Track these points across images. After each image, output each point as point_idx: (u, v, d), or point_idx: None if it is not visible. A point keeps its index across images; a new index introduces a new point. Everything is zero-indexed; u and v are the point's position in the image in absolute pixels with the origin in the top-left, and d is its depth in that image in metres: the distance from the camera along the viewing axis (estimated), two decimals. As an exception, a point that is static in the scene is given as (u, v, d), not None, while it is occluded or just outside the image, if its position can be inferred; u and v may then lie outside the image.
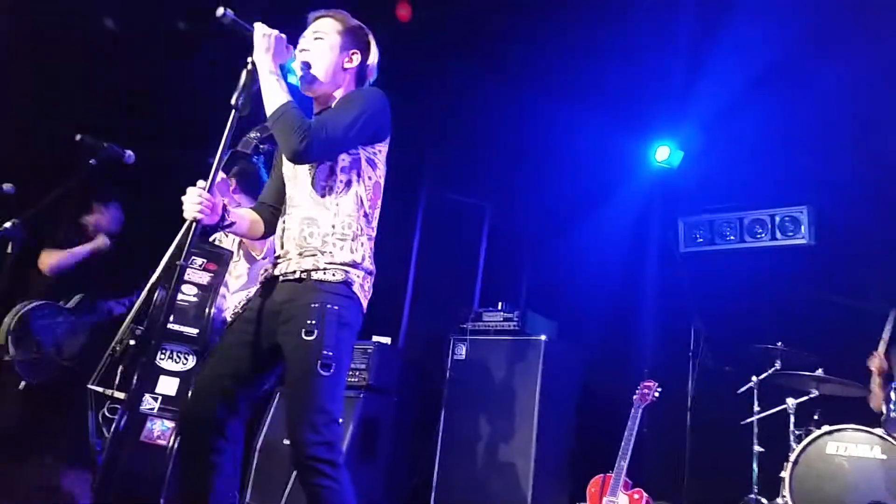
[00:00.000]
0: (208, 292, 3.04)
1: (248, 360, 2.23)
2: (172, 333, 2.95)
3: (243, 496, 3.91)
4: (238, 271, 3.40)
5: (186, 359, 2.97)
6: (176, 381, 2.93)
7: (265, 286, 2.32)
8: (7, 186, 3.60)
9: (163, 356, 2.93)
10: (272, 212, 2.43)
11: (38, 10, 4.70)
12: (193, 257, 3.05)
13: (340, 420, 2.19)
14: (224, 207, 2.24)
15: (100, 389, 3.03)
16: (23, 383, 3.71)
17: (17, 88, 4.82)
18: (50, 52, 4.87)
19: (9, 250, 3.20)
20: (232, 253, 3.28)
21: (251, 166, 3.32)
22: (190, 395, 2.28)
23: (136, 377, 2.86)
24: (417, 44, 4.80)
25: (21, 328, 3.73)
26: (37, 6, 4.69)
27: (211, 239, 3.33)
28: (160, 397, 2.91)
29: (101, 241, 4.20)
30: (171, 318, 2.92)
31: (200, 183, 2.17)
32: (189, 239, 2.09)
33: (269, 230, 2.45)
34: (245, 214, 2.41)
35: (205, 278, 3.07)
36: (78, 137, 3.36)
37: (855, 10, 4.20)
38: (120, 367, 3.72)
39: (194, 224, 2.12)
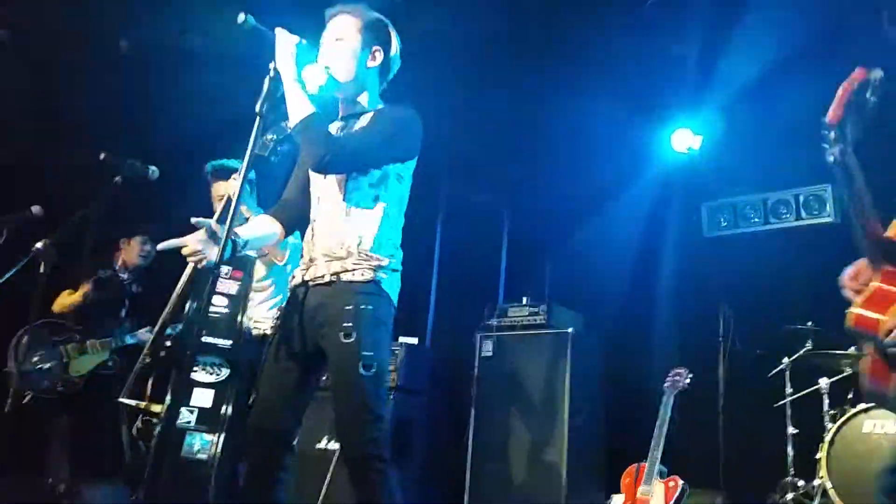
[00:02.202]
0: (238, 301, 3.01)
1: (298, 370, 2.27)
2: (205, 346, 2.94)
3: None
4: (259, 281, 3.41)
5: (220, 370, 2.96)
6: (211, 393, 2.92)
7: (295, 293, 2.35)
8: (36, 209, 3.67)
9: (196, 368, 2.91)
10: (297, 209, 2.44)
11: (55, 30, 4.79)
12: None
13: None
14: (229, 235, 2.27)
15: (132, 402, 3.06)
16: None
17: (37, 109, 4.92)
18: (66, 72, 4.96)
19: (41, 270, 3.28)
20: (255, 259, 3.28)
21: (264, 170, 3.33)
22: (253, 412, 2.30)
23: (169, 391, 2.88)
24: (432, 46, 4.81)
25: None
26: (53, 27, 4.78)
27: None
28: (196, 410, 2.89)
29: None
30: (204, 331, 2.91)
31: (199, 228, 2.19)
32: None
33: (292, 228, 2.48)
34: (260, 227, 2.41)
35: (233, 287, 3.06)
36: (101, 156, 3.42)
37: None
38: (150, 379, 3.80)
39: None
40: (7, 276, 3.32)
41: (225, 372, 2.92)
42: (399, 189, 2.37)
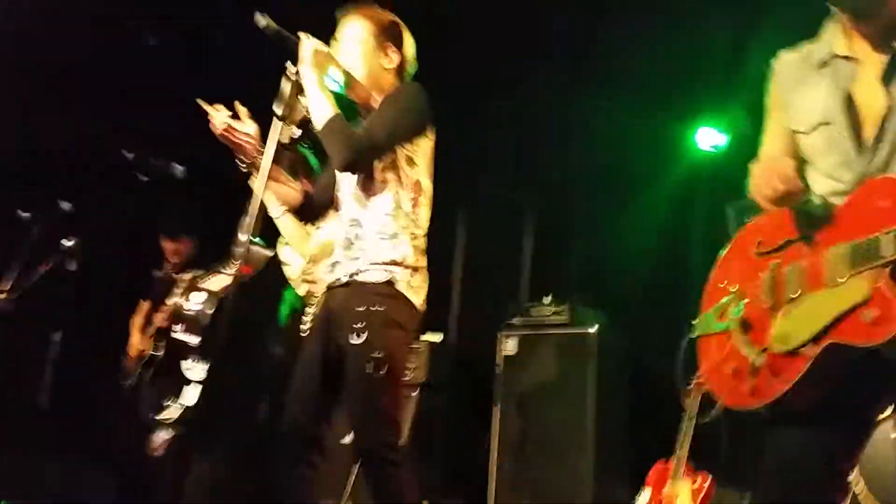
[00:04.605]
0: (217, 298, 2.84)
1: (323, 371, 2.30)
2: (180, 342, 2.83)
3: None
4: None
5: (202, 367, 2.82)
6: (198, 389, 2.82)
7: (322, 296, 2.39)
8: (65, 204, 3.72)
9: (189, 364, 2.83)
10: (318, 199, 2.50)
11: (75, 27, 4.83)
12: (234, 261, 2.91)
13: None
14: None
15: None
16: None
17: (65, 108, 4.97)
18: (94, 69, 5.01)
19: (71, 268, 3.33)
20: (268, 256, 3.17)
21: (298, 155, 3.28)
22: (285, 410, 2.32)
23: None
24: (446, 38, 4.80)
25: None
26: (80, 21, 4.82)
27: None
28: (183, 407, 2.81)
29: None
30: (181, 328, 2.78)
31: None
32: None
33: (303, 213, 2.52)
34: (285, 178, 2.46)
35: (219, 283, 2.87)
36: (129, 155, 3.45)
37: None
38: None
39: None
40: (38, 274, 3.37)
41: (204, 367, 2.78)
42: (411, 173, 2.33)
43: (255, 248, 2.94)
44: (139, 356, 4.07)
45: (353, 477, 3.77)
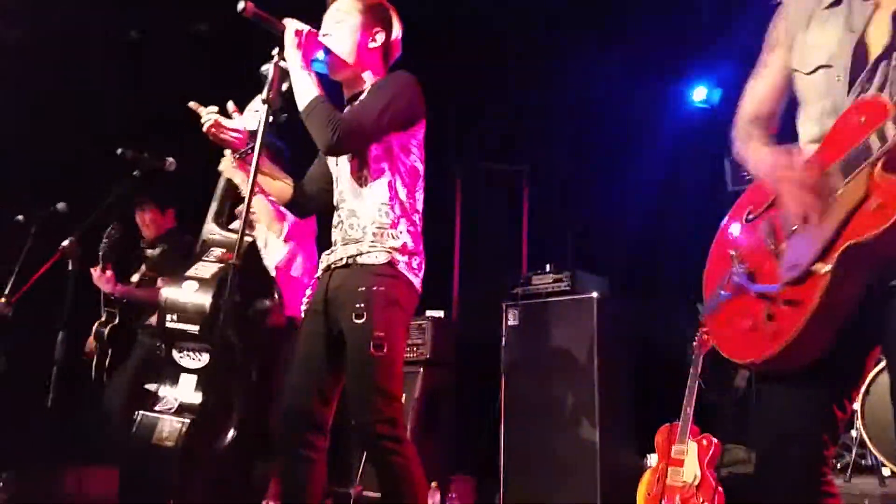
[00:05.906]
0: (210, 284, 2.77)
1: (325, 351, 2.30)
2: (174, 331, 2.77)
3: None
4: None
5: (200, 356, 2.78)
6: (193, 379, 2.78)
7: (322, 277, 2.38)
8: (61, 205, 3.72)
9: (182, 353, 2.79)
10: (308, 192, 2.48)
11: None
12: (212, 248, 2.87)
13: (403, 397, 2.24)
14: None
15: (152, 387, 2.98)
16: None
17: (55, 107, 4.96)
18: (83, 67, 4.98)
19: (69, 267, 3.34)
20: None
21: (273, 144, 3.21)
22: (284, 393, 2.32)
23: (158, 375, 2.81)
24: (437, 16, 4.75)
25: None
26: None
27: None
28: (181, 395, 2.76)
29: None
30: (175, 318, 2.75)
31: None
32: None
33: (295, 206, 2.51)
34: (276, 181, 2.47)
35: (208, 270, 2.81)
36: (119, 151, 3.45)
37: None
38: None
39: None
40: (37, 275, 3.39)
41: (204, 357, 2.76)
42: (406, 161, 2.33)
43: (229, 234, 2.89)
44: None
45: (364, 460, 3.81)
